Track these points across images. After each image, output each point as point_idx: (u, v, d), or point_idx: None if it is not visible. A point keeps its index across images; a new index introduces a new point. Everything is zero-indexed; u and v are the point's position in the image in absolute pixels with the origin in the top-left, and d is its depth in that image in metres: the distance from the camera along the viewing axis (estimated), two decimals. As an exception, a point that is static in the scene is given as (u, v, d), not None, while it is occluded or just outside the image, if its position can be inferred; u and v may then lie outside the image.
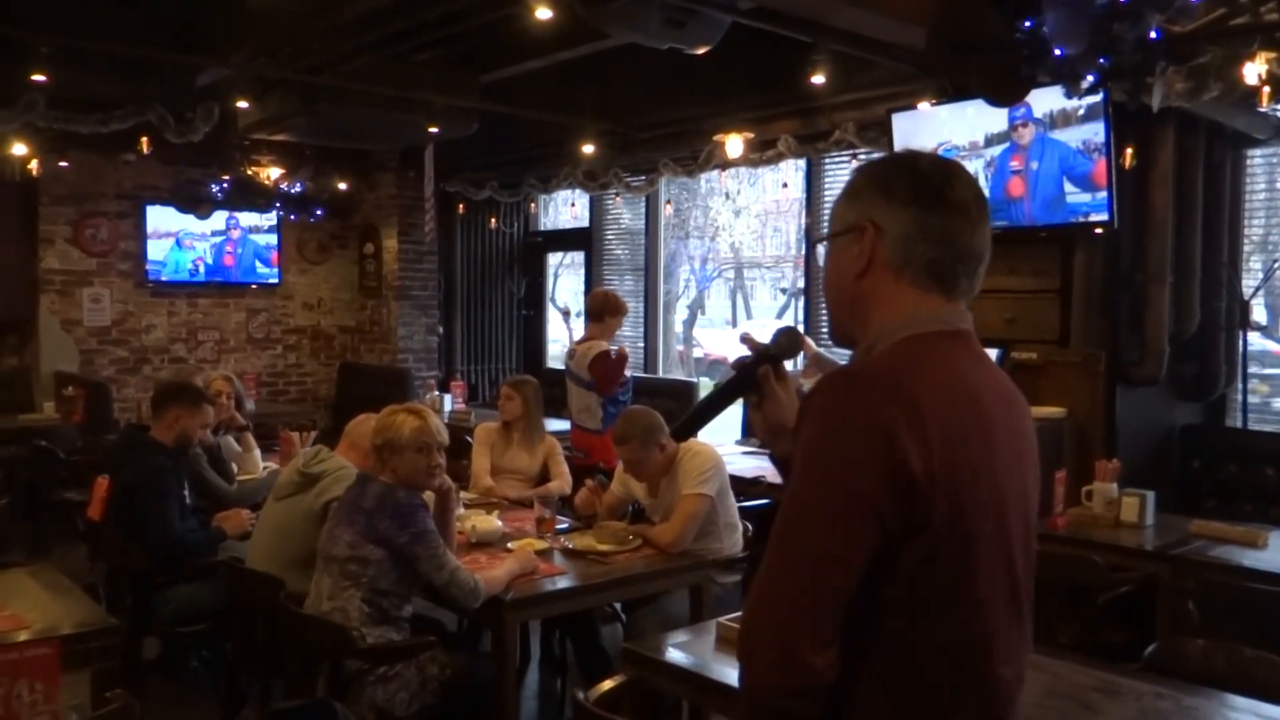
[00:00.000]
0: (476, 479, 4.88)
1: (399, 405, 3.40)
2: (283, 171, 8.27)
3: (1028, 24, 2.55)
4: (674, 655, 2.66)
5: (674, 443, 3.88)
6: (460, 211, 9.08)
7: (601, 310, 5.66)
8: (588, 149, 7.06)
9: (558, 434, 5.31)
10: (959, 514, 1.23)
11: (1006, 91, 2.83)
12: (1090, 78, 2.73)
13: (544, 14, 3.81)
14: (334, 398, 9.49)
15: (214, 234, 8.73)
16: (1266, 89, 3.71)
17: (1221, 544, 3.78)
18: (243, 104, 6.15)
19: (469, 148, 7.73)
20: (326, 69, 5.61)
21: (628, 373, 5.66)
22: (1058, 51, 2.51)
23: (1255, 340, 5.52)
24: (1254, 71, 3.27)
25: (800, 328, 8.33)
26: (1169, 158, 4.56)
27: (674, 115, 6.71)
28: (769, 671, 1.21)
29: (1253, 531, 3.83)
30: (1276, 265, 5.18)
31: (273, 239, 9.03)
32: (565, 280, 11.93)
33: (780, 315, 20.35)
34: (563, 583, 3.45)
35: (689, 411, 1.62)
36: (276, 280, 9.13)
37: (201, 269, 8.73)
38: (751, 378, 1.52)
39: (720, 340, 19.64)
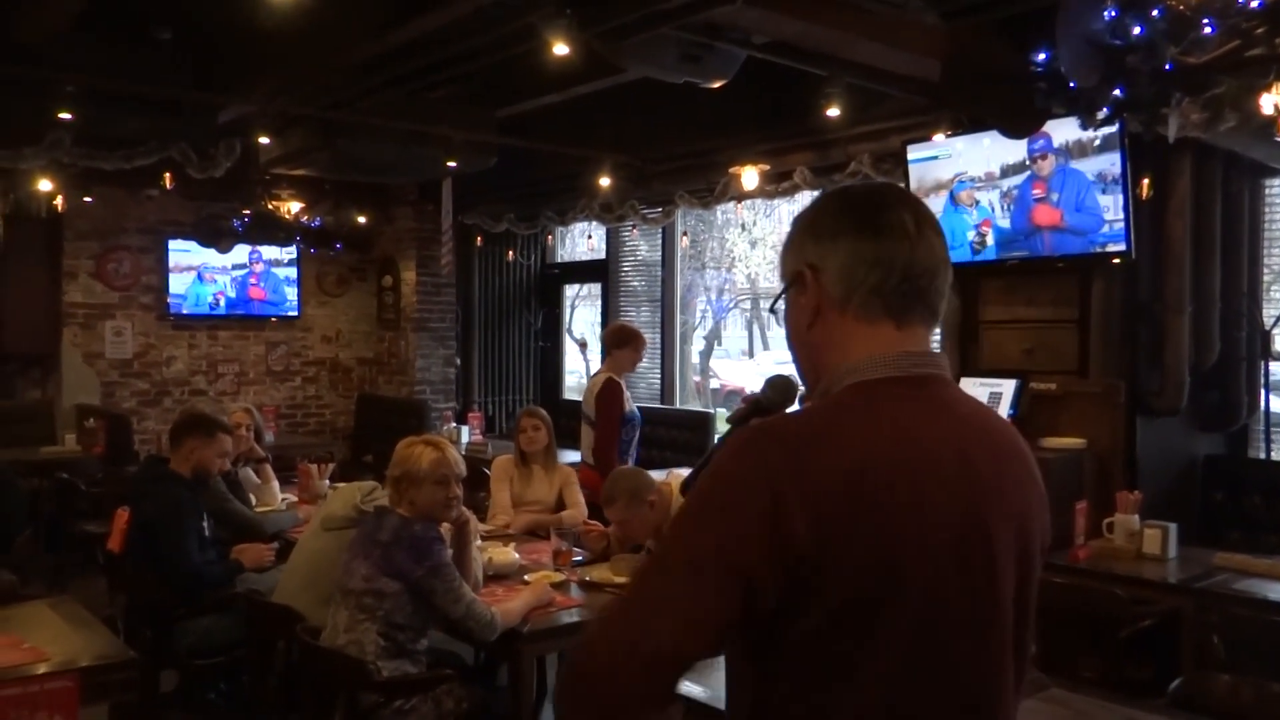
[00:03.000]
0: (496, 512, 4.87)
1: (417, 437, 3.41)
2: (302, 206, 8.38)
3: (1042, 56, 2.56)
4: (690, 689, 2.64)
5: (664, 497, 3.85)
6: (478, 244, 9.14)
7: (610, 343, 5.61)
8: (604, 182, 7.12)
9: (570, 465, 5.30)
10: (864, 587, 1.14)
11: (1021, 123, 2.83)
12: (1105, 110, 2.73)
13: (561, 50, 3.85)
14: (352, 429, 9.53)
15: (235, 267, 8.82)
16: (1283, 119, 3.72)
17: (1246, 577, 3.73)
18: (264, 140, 6.24)
19: (487, 181, 7.80)
20: (346, 105, 5.69)
21: (633, 407, 5.52)
22: (1072, 84, 2.52)
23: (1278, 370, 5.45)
24: (1270, 102, 3.26)
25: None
26: (1186, 188, 4.54)
27: (689, 148, 6.75)
28: (589, 704, 1.17)
29: (1279, 565, 3.77)
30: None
31: (293, 272, 9.11)
32: (582, 311, 11.96)
33: (797, 346, 20.31)
34: (579, 615, 3.44)
35: (696, 467, 1.62)
36: (296, 313, 9.21)
37: (222, 302, 8.81)
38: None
39: (737, 371, 19.61)
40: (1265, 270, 5.08)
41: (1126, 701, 2.51)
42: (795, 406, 1.47)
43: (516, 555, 3.97)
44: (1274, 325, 4.90)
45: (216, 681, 4.21)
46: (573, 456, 5.76)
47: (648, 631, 1.14)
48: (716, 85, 4.60)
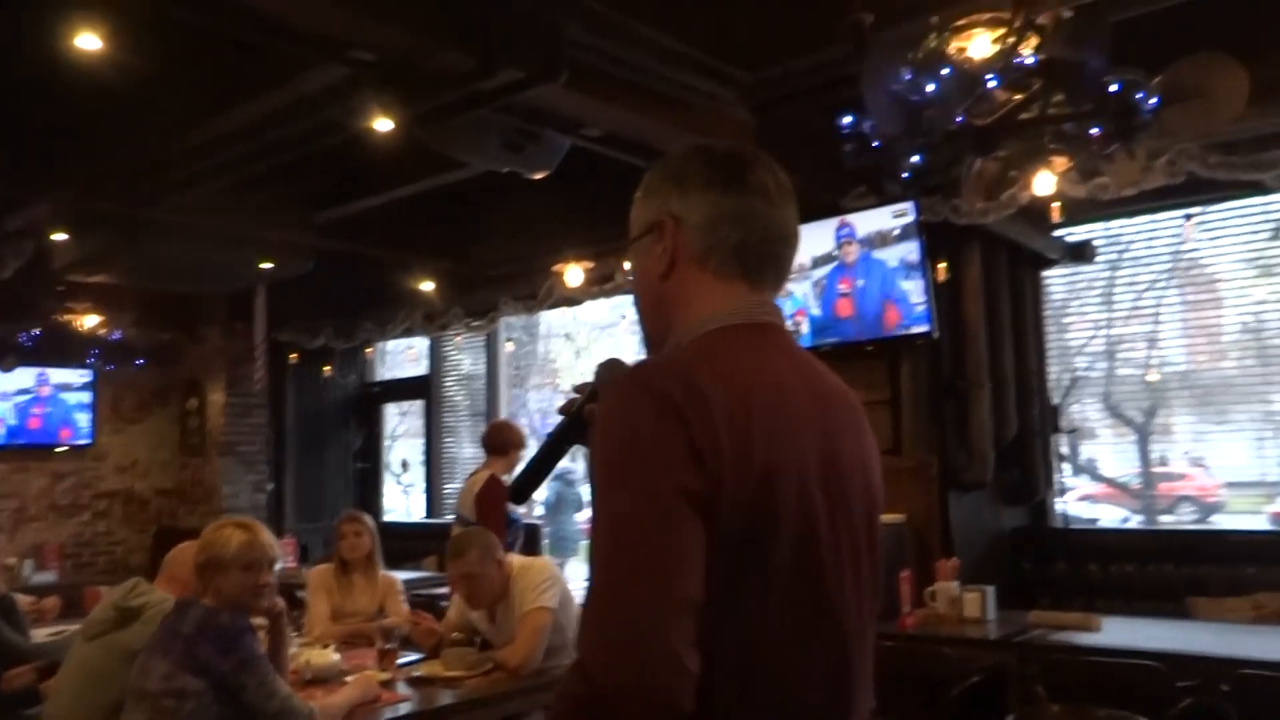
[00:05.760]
0: (314, 625, 4.52)
1: (226, 519, 3.15)
2: (101, 319, 7.83)
3: (849, 119, 2.77)
4: None
5: (510, 561, 3.74)
6: (292, 361, 8.79)
7: (494, 441, 5.23)
8: (427, 287, 7.04)
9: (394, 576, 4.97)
10: (760, 508, 1.13)
11: (831, 186, 3.02)
12: (905, 175, 2.96)
13: (384, 125, 3.83)
14: (148, 567, 8.76)
15: (19, 393, 8.11)
16: (1056, 205, 4.13)
17: (1059, 630, 3.94)
18: (61, 236, 5.75)
19: (303, 293, 7.57)
20: (154, 203, 5.42)
21: (515, 509, 5.10)
22: (876, 143, 2.74)
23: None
24: (1046, 181, 3.61)
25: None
26: (977, 273, 4.92)
27: (513, 253, 6.79)
28: (643, 686, 1.03)
29: (1086, 617, 4.01)
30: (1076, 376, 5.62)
31: (85, 397, 8.44)
32: (402, 444, 11.56)
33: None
34: (410, 709, 3.21)
35: (522, 470, 1.49)
36: (89, 441, 8.50)
37: (1, 430, 8.05)
38: (579, 419, 1.40)
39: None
40: (1048, 352, 5.50)
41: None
42: None
43: (337, 656, 3.69)
44: (1061, 401, 5.30)
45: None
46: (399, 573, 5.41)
47: (664, 583, 1.06)
48: (539, 176, 4.67)
